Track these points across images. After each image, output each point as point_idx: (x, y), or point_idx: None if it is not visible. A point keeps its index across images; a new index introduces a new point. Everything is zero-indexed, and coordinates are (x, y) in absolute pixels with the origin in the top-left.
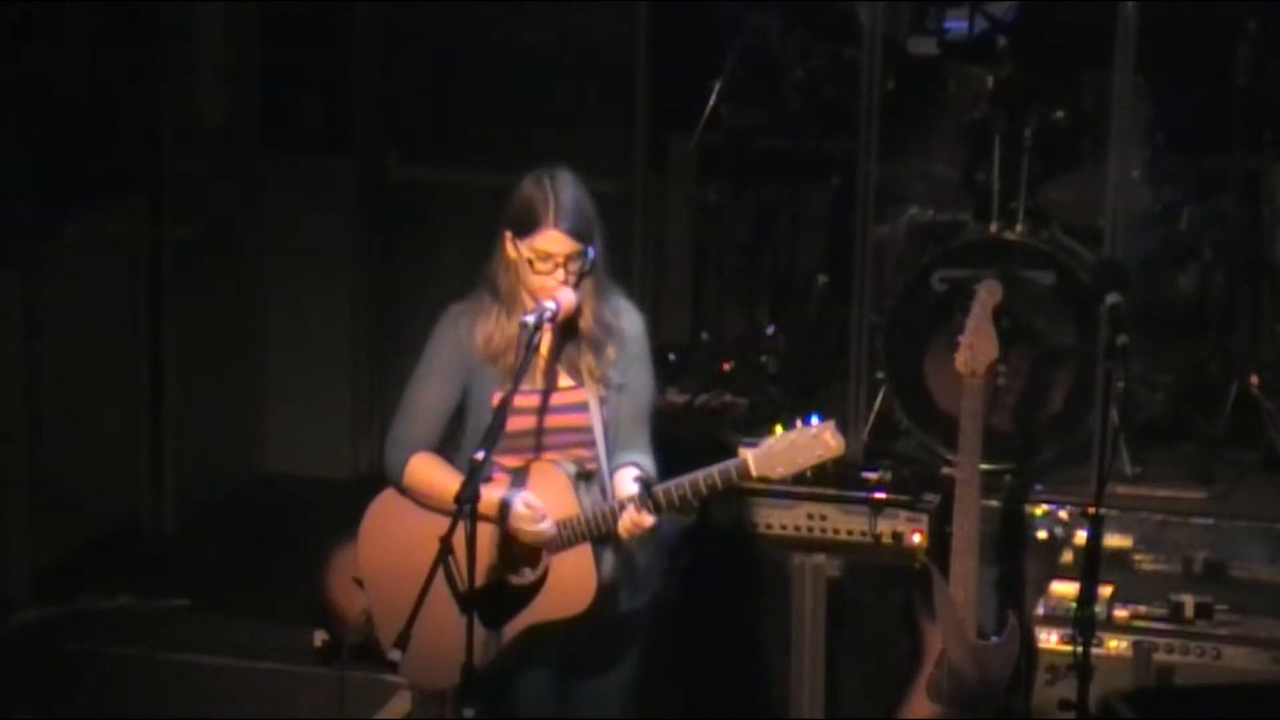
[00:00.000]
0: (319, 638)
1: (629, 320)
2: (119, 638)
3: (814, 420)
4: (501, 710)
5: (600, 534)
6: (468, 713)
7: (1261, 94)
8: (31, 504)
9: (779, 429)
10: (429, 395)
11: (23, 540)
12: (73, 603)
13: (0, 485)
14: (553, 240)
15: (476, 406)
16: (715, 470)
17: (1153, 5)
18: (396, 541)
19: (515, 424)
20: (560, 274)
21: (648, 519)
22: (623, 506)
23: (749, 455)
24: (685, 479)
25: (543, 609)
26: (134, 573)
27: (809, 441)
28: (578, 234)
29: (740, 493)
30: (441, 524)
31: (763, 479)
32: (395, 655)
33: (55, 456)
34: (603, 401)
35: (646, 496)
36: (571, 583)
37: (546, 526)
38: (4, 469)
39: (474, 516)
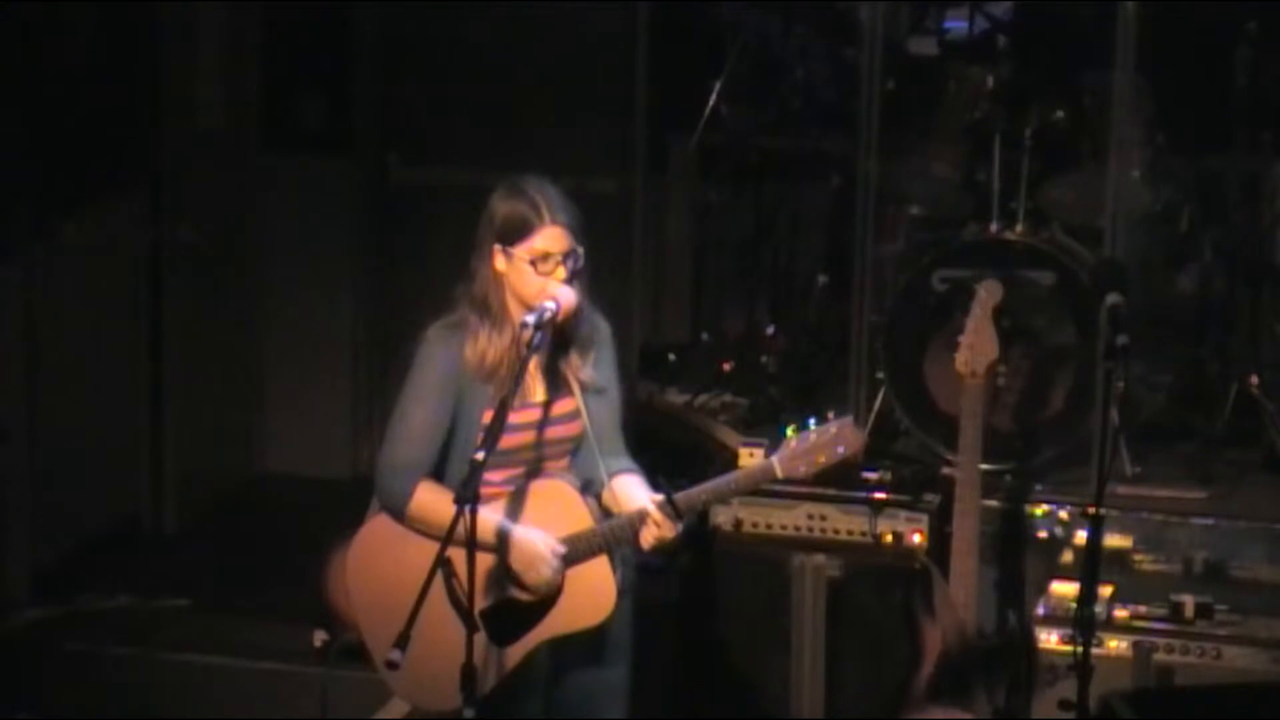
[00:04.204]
0: (319, 638)
1: (601, 324)
2: (119, 638)
3: (830, 418)
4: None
5: (619, 546)
6: (468, 713)
7: (1261, 94)
8: (32, 504)
9: (791, 432)
10: (426, 417)
11: (23, 540)
12: (73, 603)
13: (0, 485)
14: (553, 237)
15: (466, 426)
16: (740, 474)
17: (1153, 5)
18: (389, 574)
19: (507, 441)
20: (561, 272)
21: (671, 528)
22: (642, 519)
23: (774, 459)
24: (709, 485)
25: (561, 621)
26: (134, 573)
27: (830, 439)
28: (574, 229)
29: None
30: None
31: (788, 479)
32: (396, 655)
33: (55, 456)
34: (588, 406)
35: (669, 505)
36: (591, 593)
37: (555, 574)
38: (4, 469)
39: (474, 517)
